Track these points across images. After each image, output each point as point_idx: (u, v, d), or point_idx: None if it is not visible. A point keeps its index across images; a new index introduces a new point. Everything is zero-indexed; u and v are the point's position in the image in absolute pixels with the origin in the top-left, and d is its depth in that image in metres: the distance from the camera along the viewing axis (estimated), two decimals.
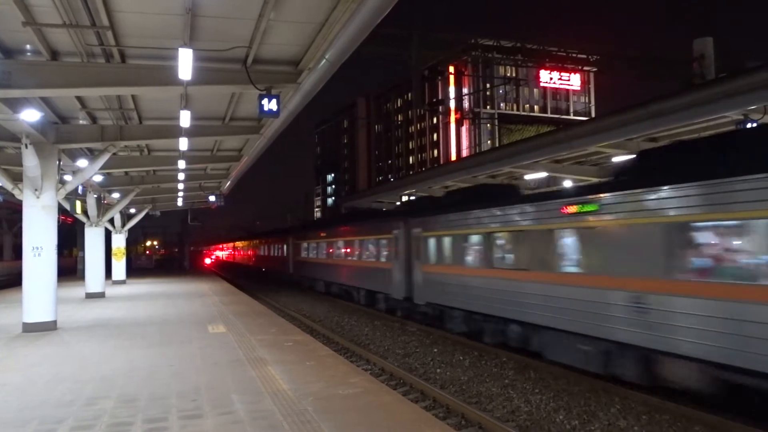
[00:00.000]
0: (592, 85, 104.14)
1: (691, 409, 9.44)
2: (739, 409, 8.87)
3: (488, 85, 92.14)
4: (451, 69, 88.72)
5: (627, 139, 19.65)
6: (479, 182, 29.11)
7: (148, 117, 17.26)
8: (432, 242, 18.17)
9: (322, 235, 32.19)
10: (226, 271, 68.86)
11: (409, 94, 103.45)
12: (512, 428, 9.05)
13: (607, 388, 11.05)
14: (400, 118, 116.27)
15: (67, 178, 18.37)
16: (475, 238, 15.82)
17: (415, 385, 11.95)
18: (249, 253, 64.44)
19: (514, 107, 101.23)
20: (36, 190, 15.25)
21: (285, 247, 42.91)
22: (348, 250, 27.20)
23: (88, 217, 26.07)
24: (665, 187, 9.52)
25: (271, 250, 49.35)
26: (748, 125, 16.43)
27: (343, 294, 28.44)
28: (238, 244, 78.23)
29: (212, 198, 34.78)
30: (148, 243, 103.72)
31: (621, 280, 10.43)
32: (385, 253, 22.18)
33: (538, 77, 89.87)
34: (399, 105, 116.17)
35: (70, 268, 44.45)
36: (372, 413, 7.50)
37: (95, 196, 25.83)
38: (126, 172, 26.48)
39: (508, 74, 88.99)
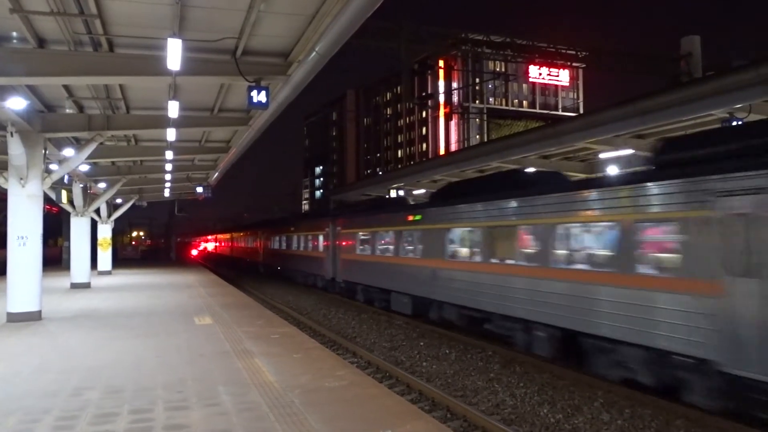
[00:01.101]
0: (580, 81, 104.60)
1: (673, 403, 9.57)
2: (720, 406, 8.99)
3: (477, 80, 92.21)
4: (441, 63, 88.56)
5: (615, 136, 19.78)
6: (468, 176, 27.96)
7: (136, 107, 17.14)
8: None
9: (412, 219, 18.97)
10: (219, 267, 58.92)
11: (399, 88, 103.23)
12: (497, 421, 9.12)
13: (591, 382, 11.16)
14: (389, 111, 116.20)
15: (53, 167, 18.20)
16: None
17: (402, 378, 12.01)
18: (255, 245, 50.20)
19: (503, 102, 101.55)
20: (21, 178, 15.11)
21: (320, 239, 29.03)
22: (518, 247, 13.40)
23: (74, 206, 25.87)
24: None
25: (294, 243, 35.18)
26: (733, 123, 16.59)
27: (467, 324, 15.86)
28: (237, 234, 64.14)
29: (200, 189, 34.62)
30: (134, 233, 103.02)
31: None
32: (679, 258, 9.41)
33: (527, 72, 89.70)
34: (388, 98, 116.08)
35: (55, 258, 44.09)
36: (358, 405, 7.54)
37: (81, 185, 25.63)
38: (113, 162, 26.30)
39: (498, 69, 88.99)
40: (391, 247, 20.81)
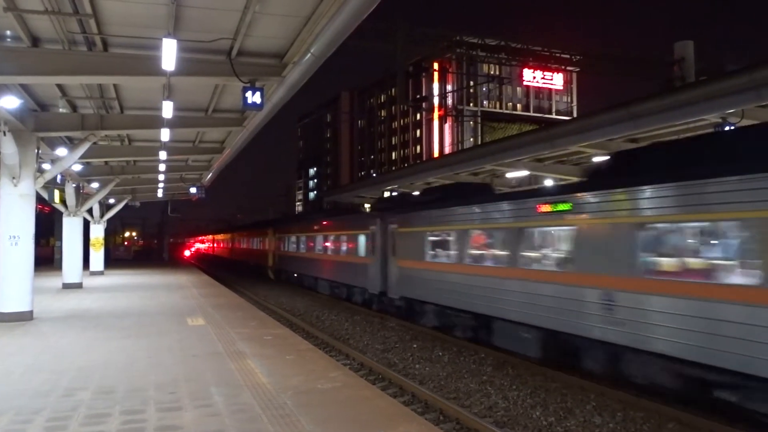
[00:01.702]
0: (574, 85, 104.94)
1: (665, 406, 9.60)
2: (711, 407, 9.04)
3: (472, 83, 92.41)
4: (436, 66, 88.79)
5: (608, 140, 19.84)
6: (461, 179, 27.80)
7: (130, 106, 17.11)
8: None
9: (549, 210, 12.45)
10: (215, 269, 54.57)
11: (393, 90, 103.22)
12: (490, 424, 9.13)
13: (584, 385, 11.19)
14: (383, 113, 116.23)
15: (46, 166, 18.14)
16: None
17: (395, 380, 12.00)
18: (264, 247, 42.55)
19: (498, 105, 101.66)
20: (14, 178, 15.04)
21: (361, 241, 22.73)
22: None
23: (66, 206, 25.78)
24: None
25: (320, 246, 28.47)
26: (726, 128, 16.67)
27: (696, 389, 9.32)
28: (240, 234, 54.98)
29: (193, 190, 34.55)
30: (127, 234, 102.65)
31: None
32: None
33: (521, 76, 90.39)
34: (382, 100, 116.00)
35: (46, 257, 43.90)
36: (351, 407, 7.53)
37: (74, 185, 25.51)
38: (106, 162, 26.21)
39: (492, 72, 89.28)
40: (497, 253, 14.40)
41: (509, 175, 27.99)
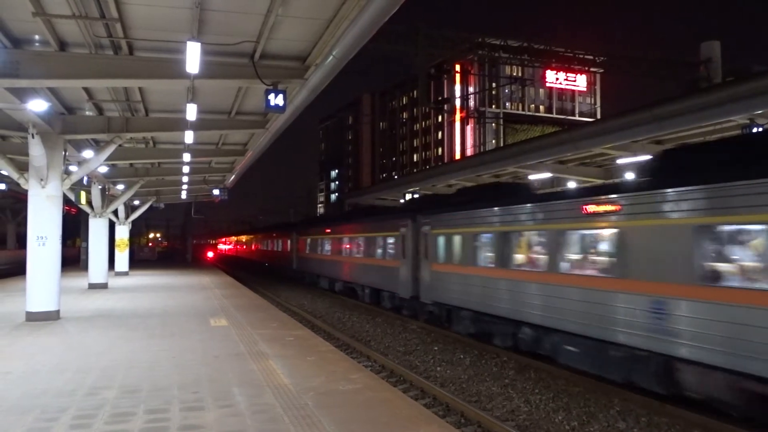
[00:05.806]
0: (598, 87, 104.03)
1: (690, 412, 9.45)
2: (737, 413, 8.87)
3: (494, 85, 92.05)
4: (457, 67, 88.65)
5: (632, 141, 19.63)
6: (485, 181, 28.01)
7: (155, 109, 17.29)
8: None
9: None
10: (241, 272, 50.58)
11: (415, 92, 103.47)
12: (511, 428, 9.07)
13: (607, 390, 11.06)
14: (404, 115, 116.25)
15: (73, 168, 18.43)
16: None
17: (416, 382, 11.98)
18: (336, 254, 29.77)
19: (520, 107, 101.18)
20: (41, 179, 15.31)
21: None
22: None
23: (92, 207, 26.16)
24: None
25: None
26: (754, 129, 16.39)
27: None
28: (286, 235, 43.69)
29: (216, 192, 34.84)
30: (151, 235, 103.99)
31: None
32: None
33: (544, 77, 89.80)
34: (404, 102, 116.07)
35: (73, 258, 44.60)
36: (372, 409, 7.54)
37: (100, 187, 25.91)
38: (131, 164, 26.56)
39: (514, 74, 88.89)
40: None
41: (531, 177, 27.82)
